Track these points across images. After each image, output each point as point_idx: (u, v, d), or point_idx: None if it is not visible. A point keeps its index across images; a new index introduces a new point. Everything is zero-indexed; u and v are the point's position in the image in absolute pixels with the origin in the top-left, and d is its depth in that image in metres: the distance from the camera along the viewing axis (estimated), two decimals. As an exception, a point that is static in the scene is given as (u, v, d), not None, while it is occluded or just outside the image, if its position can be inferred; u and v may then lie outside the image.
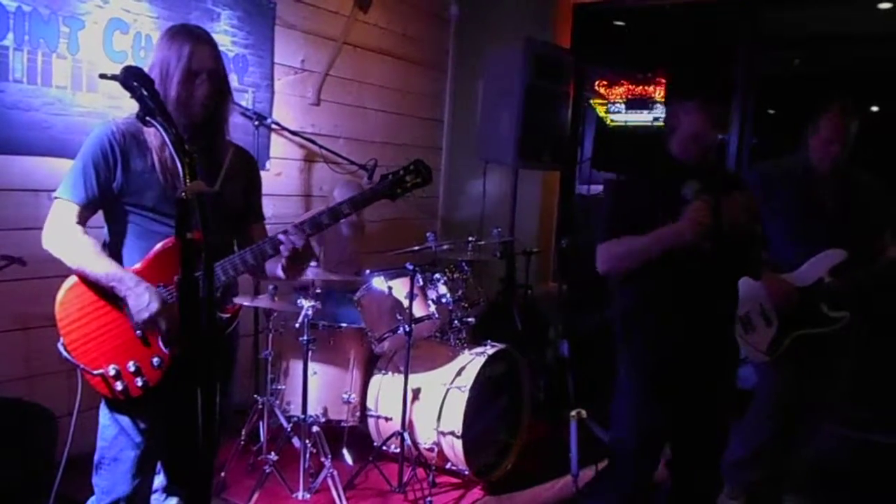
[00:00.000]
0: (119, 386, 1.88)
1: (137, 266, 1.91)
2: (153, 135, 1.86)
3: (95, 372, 1.87)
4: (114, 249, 1.97)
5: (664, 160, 2.40)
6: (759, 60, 5.79)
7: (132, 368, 1.88)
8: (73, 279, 1.92)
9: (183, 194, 1.22)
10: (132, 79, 1.42)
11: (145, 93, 1.40)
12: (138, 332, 1.89)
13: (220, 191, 1.90)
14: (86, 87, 3.17)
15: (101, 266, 1.87)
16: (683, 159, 2.34)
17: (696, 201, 2.17)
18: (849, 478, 3.53)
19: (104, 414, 2.00)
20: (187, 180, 1.23)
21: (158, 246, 1.90)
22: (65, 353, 1.89)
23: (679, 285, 2.30)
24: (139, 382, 1.89)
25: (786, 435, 3.00)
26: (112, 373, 1.87)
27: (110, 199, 1.92)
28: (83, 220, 1.92)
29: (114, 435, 1.98)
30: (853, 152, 2.80)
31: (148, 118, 1.37)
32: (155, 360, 1.89)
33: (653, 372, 2.38)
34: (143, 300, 1.82)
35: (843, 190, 2.84)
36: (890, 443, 4.05)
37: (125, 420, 1.97)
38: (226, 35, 3.79)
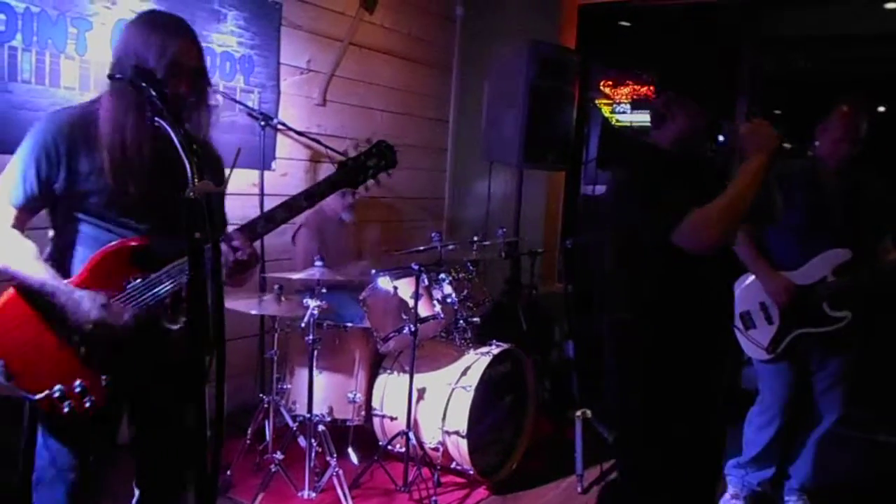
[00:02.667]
0: (66, 408, 1.73)
1: (75, 278, 1.75)
2: (108, 127, 1.70)
3: (38, 396, 1.70)
4: (61, 260, 1.79)
5: (653, 153, 2.20)
6: (763, 61, 5.78)
7: (78, 389, 1.73)
8: (9, 292, 1.74)
9: (191, 194, 1.22)
10: (141, 79, 1.43)
11: (154, 93, 1.41)
12: (82, 349, 1.74)
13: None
14: (94, 87, 3.18)
15: (39, 273, 1.70)
16: (672, 152, 2.16)
17: (748, 123, 2.01)
18: (853, 479, 3.52)
19: (40, 435, 1.86)
20: (195, 180, 1.23)
21: (96, 253, 1.74)
22: (2, 379, 1.70)
23: (699, 282, 2.11)
24: (87, 403, 1.75)
25: (788, 435, 3.00)
26: (57, 394, 1.72)
27: (52, 202, 1.76)
28: (21, 224, 1.76)
29: (49, 458, 1.84)
30: (862, 153, 2.80)
31: (157, 118, 1.37)
32: (103, 378, 1.76)
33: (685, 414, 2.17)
34: (82, 309, 1.68)
35: (850, 191, 2.83)
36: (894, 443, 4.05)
37: (58, 444, 1.83)
38: (232, 36, 3.80)
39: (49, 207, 1.79)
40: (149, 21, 1.75)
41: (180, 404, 1.81)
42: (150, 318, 1.76)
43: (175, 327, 1.82)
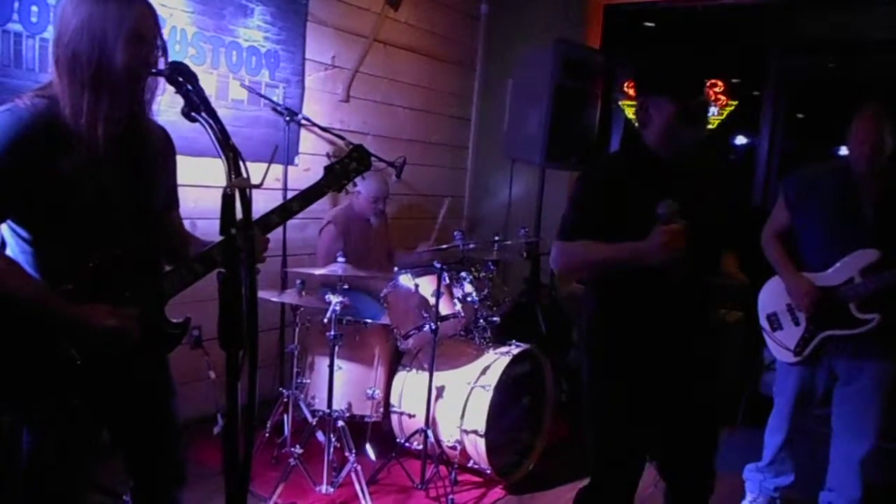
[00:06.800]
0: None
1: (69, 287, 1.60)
2: (90, 116, 1.56)
3: None
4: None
5: (641, 151, 2.17)
6: (790, 64, 5.72)
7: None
8: None
9: (227, 189, 1.23)
10: (178, 74, 1.44)
11: (191, 88, 1.41)
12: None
13: (151, 183, 1.72)
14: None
15: (33, 285, 1.56)
16: (659, 155, 2.13)
17: (670, 225, 1.95)
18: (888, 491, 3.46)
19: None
20: (232, 176, 1.24)
21: (95, 259, 1.62)
22: None
23: (650, 288, 2.11)
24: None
25: (808, 443, 2.98)
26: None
27: (25, 208, 1.57)
28: None
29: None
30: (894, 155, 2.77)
31: (193, 114, 1.38)
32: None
33: (627, 387, 2.22)
34: (94, 321, 1.57)
35: (881, 192, 2.80)
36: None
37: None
38: (258, 31, 3.82)
39: (20, 214, 1.59)
40: None
41: (156, 402, 1.84)
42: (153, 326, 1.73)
43: (176, 332, 1.80)
